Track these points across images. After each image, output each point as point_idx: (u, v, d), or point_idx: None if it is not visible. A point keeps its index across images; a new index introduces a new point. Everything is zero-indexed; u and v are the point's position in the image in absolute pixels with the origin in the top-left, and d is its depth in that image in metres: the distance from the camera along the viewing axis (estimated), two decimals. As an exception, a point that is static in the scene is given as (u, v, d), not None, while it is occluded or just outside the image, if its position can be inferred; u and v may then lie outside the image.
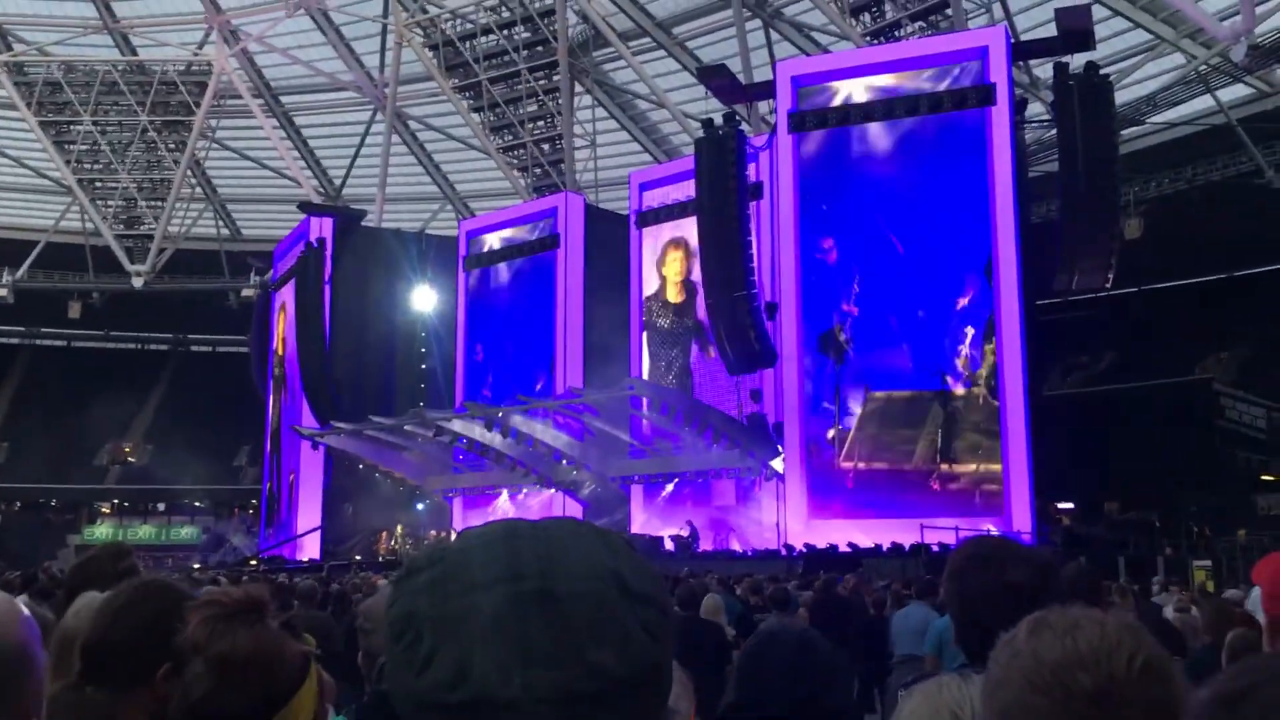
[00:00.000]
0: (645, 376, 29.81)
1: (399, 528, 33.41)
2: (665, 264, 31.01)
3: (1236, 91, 32.40)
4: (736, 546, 26.20)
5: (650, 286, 31.22)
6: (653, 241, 31.34)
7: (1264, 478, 29.80)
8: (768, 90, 28.69)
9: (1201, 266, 34.22)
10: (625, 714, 0.77)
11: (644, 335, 31.03)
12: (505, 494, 32.24)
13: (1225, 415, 30.45)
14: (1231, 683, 0.60)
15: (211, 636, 1.84)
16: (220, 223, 49.12)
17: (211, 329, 51.82)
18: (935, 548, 20.19)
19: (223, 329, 50.42)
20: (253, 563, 32.62)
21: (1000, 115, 24.64)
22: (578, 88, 38.40)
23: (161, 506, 48.42)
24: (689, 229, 28.43)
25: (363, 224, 38.29)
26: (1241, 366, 32.76)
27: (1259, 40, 29.46)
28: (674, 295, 30.76)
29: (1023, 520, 22.51)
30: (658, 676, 0.81)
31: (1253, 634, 3.92)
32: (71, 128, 43.46)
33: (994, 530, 21.96)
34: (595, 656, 0.77)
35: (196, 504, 46.94)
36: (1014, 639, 1.10)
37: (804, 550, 22.75)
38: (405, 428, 30.05)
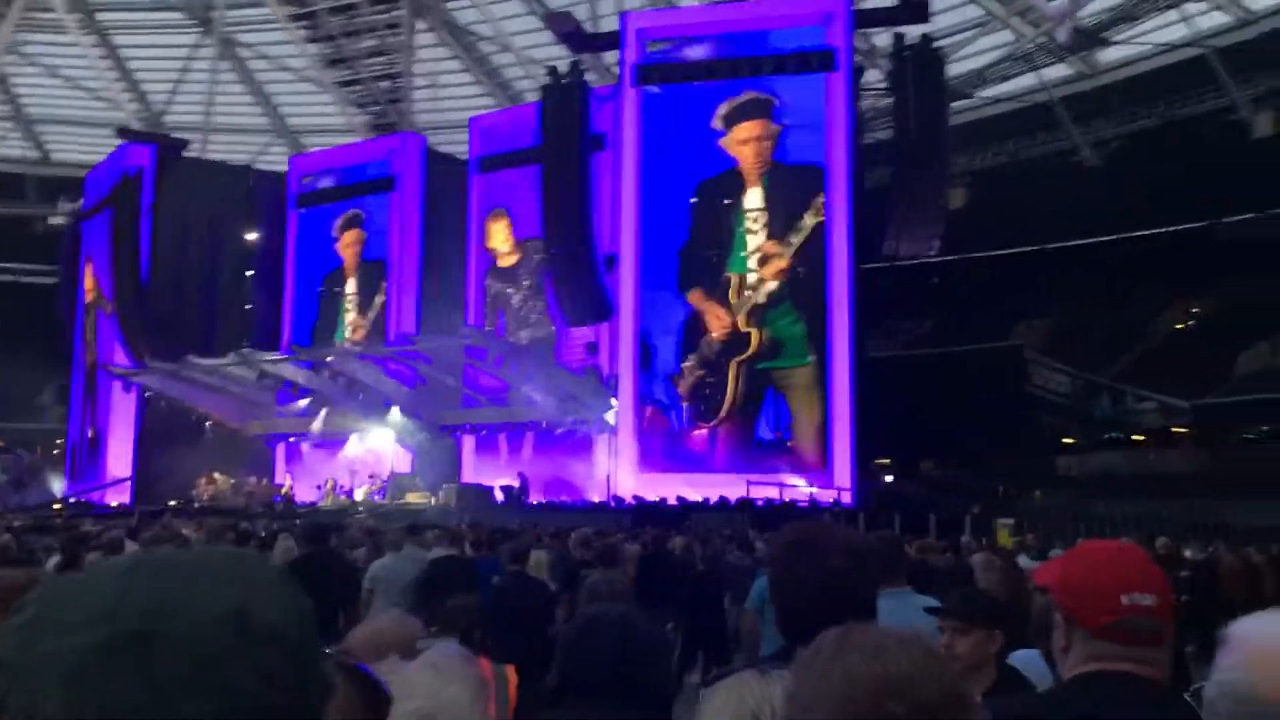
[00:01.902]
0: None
1: (218, 474, 32.22)
2: (491, 238, 30.51)
3: (1059, 71, 33.97)
4: (567, 498, 26.32)
5: (486, 259, 30.71)
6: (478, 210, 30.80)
7: (1065, 440, 31.67)
8: (613, 41, 28.49)
9: (1019, 238, 35.90)
10: None
11: (484, 287, 30.61)
12: (313, 440, 31.42)
13: (1033, 381, 32.21)
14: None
15: None
16: (27, 144, 45.94)
17: (15, 256, 48.56)
18: (759, 503, 20.71)
19: (27, 257, 47.32)
20: (56, 507, 30.99)
21: (838, 81, 25.14)
22: (420, 25, 37.31)
23: (-44, 444, 45.38)
24: (509, 195, 28.18)
25: (185, 154, 36.41)
26: (1050, 335, 34.61)
27: (1083, 22, 30.91)
28: (508, 261, 30.35)
29: (843, 477, 23.31)
30: None
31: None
32: None
33: (814, 488, 22.71)
34: (185, 707, 0.69)
35: (-4, 443, 44.18)
36: (820, 655, 1.11)
37: (633, 502, 23.02)
38: (227, 370, 28.93)
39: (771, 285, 25.38)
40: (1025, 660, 3.59)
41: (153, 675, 0.70)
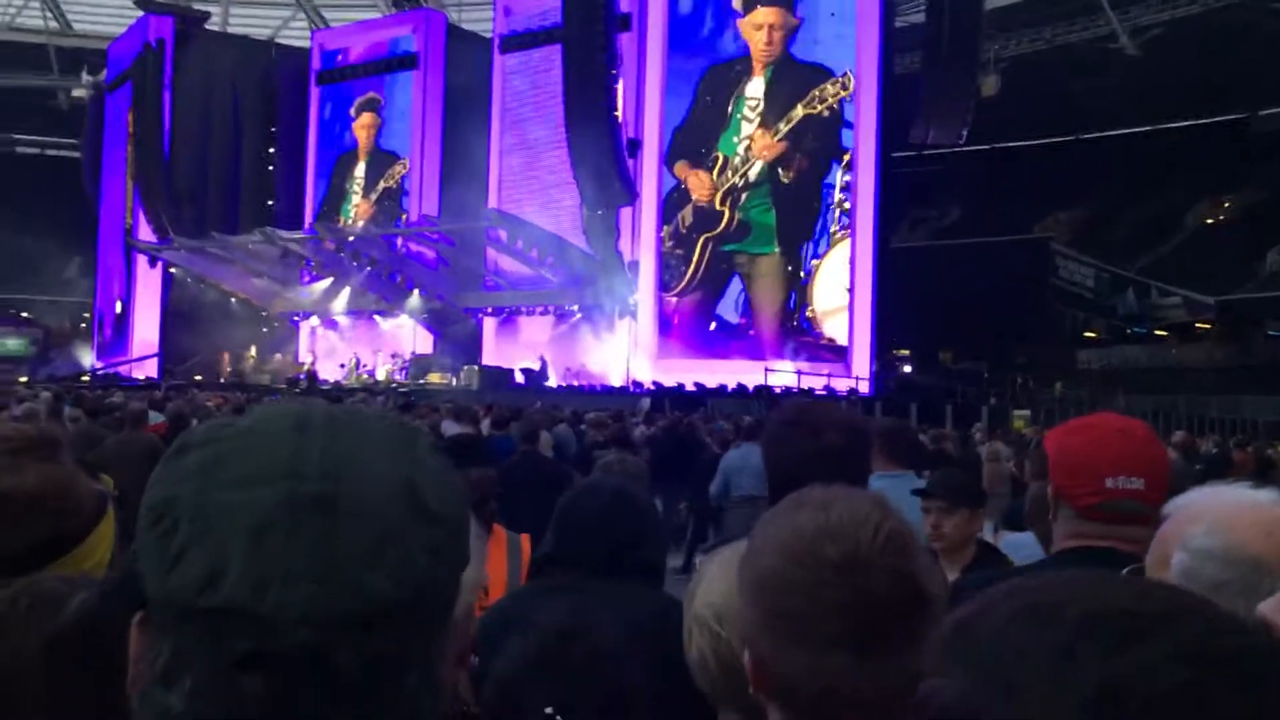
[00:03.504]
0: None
1: (245, 350, 32.56)
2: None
3: (1101, -46, 32.86)
4: (587, 382, 26.52)
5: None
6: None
7: (1087, 334, 31.55)
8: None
9: (1052, 127, 35.19)
10: (395, 639, 0.70)
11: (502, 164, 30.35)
12: (351, 319, 31.64)
13: (1058, 274, 31.95)
14: (964, 611, 0.61)
15: None
16: (48, 14, 45.36)
17: (39, 130, 48.35)
18: (778, 390, 20.83)
19: (52, 130, 47.12)
20: (85, 379, 31.48)
21: (871, -39, 24.38)
22: (443, -105, 36.30)
23: (-15, 316, 45.91)
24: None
25: (206, 27, 35.89)
26: (1078, 226, 34.18)
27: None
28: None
29: (862, 367, 23.35)
30: (436, 600, 0.73)
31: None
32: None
33: (831, 379, 22.79)
34: (367, 577, 0.68)
35: (24, 315, 44.65)
36: (776, 513, 1.15)
37: (651, 388, 23.19)
38: (250, 247, 29.01)
39: (753, 171, 25.13)
40: (1019, 542, 3.66)
41: (337, 540, 0.69)
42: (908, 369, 27.60)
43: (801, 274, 24.61)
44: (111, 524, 1.84)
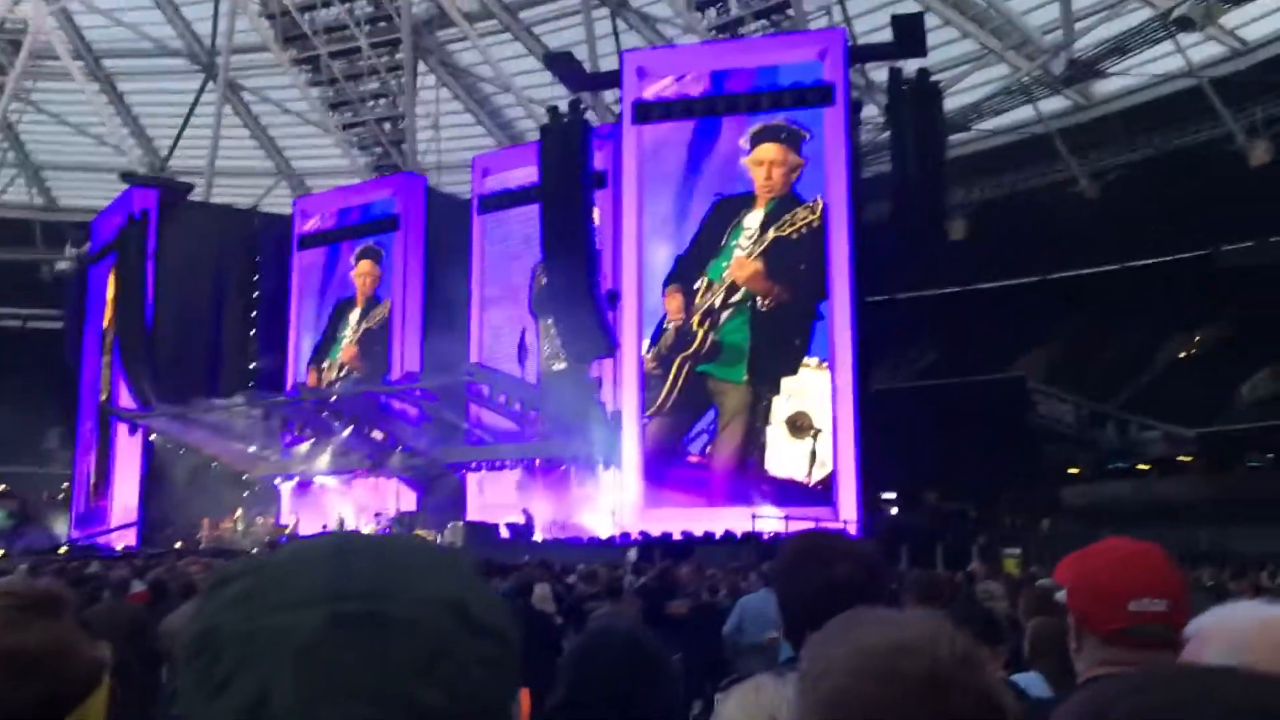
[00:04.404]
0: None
1: (229, 515, 32.16)
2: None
3: (1056, 104, 34.18)
4: (573, 534, 26.23)
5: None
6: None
7: (1070, 470, 31.57)
8: (613, 80, 28.74)
9: (1019, 269, 35.96)
10: None
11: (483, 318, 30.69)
12: (334, 479, 31.41)
13: (1037, 411, 32.17)
14: (1099, 696, 0.60)
15: (2, 629, 1.71)
16: (33, 190, 46.26)
17: (22, 302, 48.68)
18: (766, 536, 20.65)
19: (34, 302, 47.44)
20: (62, 551, 30.88)
21: (836, 115, 25.32)
22: (421, 67, 37.66)
23: (-39, 489, 45.25)
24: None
25: (190, 198, 36.63)
26: (1052, 365, 34.59)
27: (1078, 54, 31.14)
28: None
29: (849, 510, 23.24)
30: (492, 715, 0.71)
31: (1054, 621, 4.10)
32: None
33: (818, 523, 22.63)
34: (420, 691, 0.67)
35: (2, 487, 44.06)
36: (831, 631, 1.12)
37: (640, 538, 22.95)
38: (232, 411, 28.96)
39: (734, 295, 25.58)
40: (1026, 682, 3.59)
41: (387, 656, 0.67)
42: (895, 511, 27.49)
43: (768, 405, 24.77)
44: (106, 692, 1.80)
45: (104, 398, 35.52)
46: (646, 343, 26.12)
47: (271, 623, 0.69)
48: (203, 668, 0.69)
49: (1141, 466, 30.93)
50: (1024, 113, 34.30)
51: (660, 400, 25.79)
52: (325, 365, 33.70)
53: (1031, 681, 3.55)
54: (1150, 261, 33.93)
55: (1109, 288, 34.12)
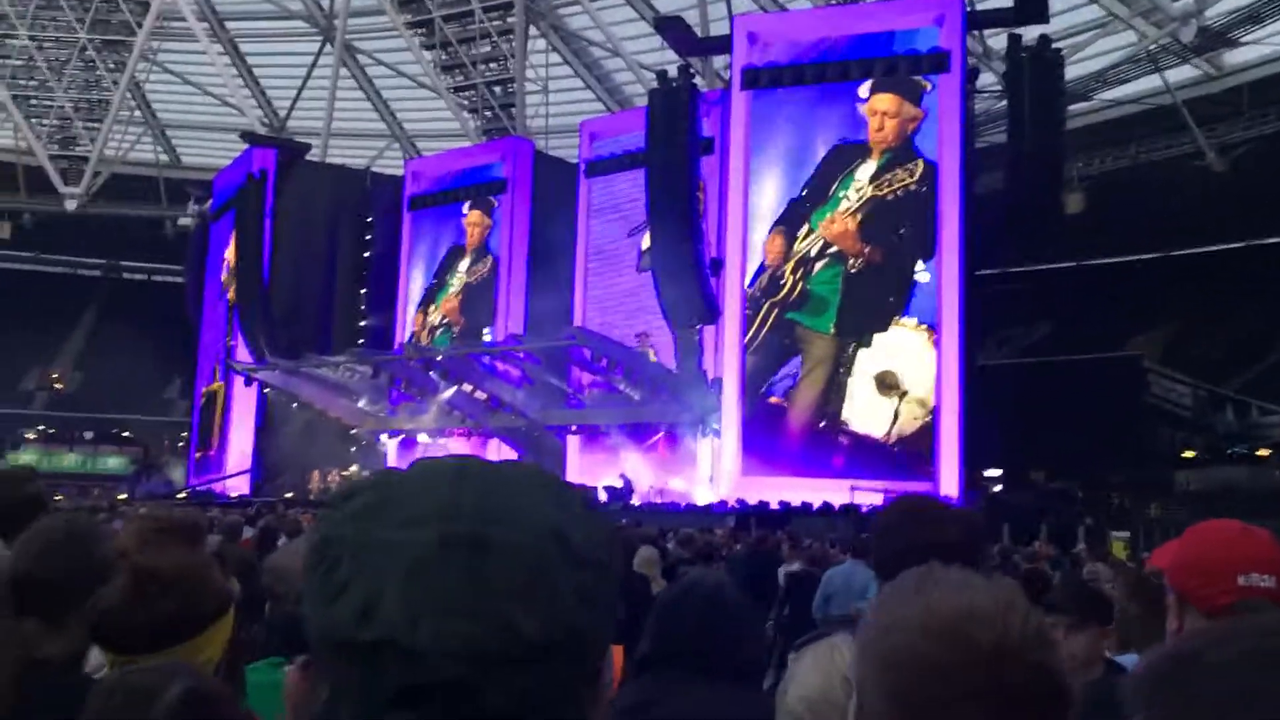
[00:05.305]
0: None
1: (336, 468, 33.11)
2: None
3: (1183, 73, 32.83)
4: (670, 500, 26.36)
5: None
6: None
7: (1185, 454, 30.56)
8: (724, 45, 28.47)
9: (1138, 244, 34.78)
10: (541, 678, 0.72)
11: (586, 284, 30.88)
12: (434, 439, 32.06)
13: (1152, 391, 31.15)
14: (1181, 645, 0.58)
15: (142, 547, 1.79)
16: (159, 148, 47.91)
17: (146, 256, 50.63)
18: (864, 509, 20.47)
19: (158, 257, 49.30)
20: (181, 496, 32.20)
21: (952, 83, 24.70)
22: (533, 31, 37.83)
23: (89, 435, 47.47)
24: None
25: (307, 158, 37.53)
26: (1170, 344, 33.46)
27: (1208, 22, 29.84)
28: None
29: (950, 485, 22.88)
30: (582, 644, 0.75)
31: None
32: (6, 42, 41.97)
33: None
34: (516, 615, 0.71)
35: (125, 434, 46.08)
36: (902, 587, 1.08)
37: (736, 506, 22.96)
38: (342, 367, 29.72)
39: (830, 246, 25.21)
40: (1129, 663, 3.53)
41: (488, 578, 0.72)
42: (998, 488, 26.95)
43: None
44: (230, 623, 1.86)
45: (227, 347, 36.77)
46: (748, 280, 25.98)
47: (386, 537, 0.74)
48: (324, 572, 0.75)
49: (1261, 452, 29.78)
50: (1149, 82, 33.02)
51: (746, 342, 25.69)
52: (431, 310, 34.20)
53: (1134, 662, 3.49)
54: (1276, 240, 32.48)
55: (1231, 266, 32.75)
